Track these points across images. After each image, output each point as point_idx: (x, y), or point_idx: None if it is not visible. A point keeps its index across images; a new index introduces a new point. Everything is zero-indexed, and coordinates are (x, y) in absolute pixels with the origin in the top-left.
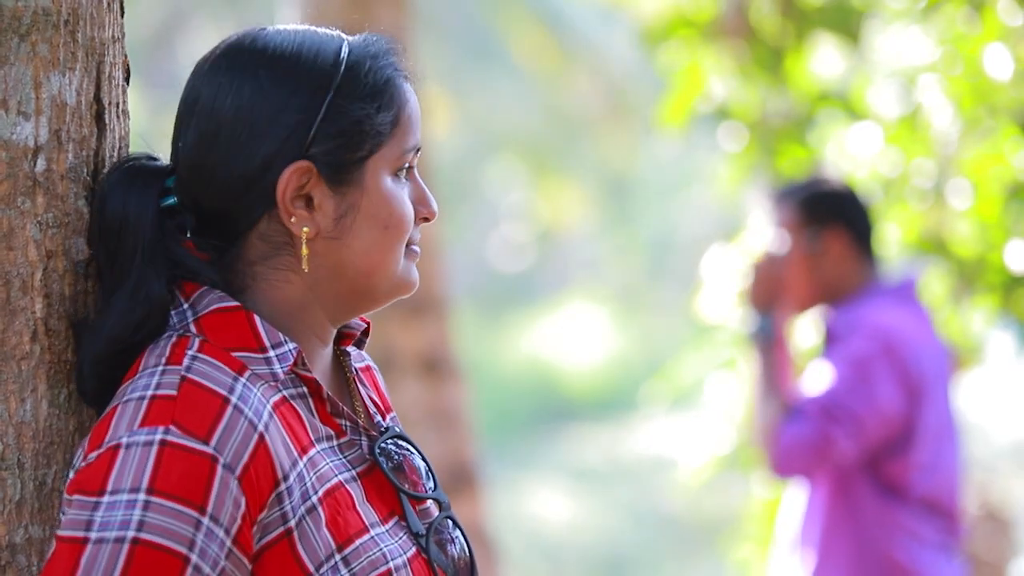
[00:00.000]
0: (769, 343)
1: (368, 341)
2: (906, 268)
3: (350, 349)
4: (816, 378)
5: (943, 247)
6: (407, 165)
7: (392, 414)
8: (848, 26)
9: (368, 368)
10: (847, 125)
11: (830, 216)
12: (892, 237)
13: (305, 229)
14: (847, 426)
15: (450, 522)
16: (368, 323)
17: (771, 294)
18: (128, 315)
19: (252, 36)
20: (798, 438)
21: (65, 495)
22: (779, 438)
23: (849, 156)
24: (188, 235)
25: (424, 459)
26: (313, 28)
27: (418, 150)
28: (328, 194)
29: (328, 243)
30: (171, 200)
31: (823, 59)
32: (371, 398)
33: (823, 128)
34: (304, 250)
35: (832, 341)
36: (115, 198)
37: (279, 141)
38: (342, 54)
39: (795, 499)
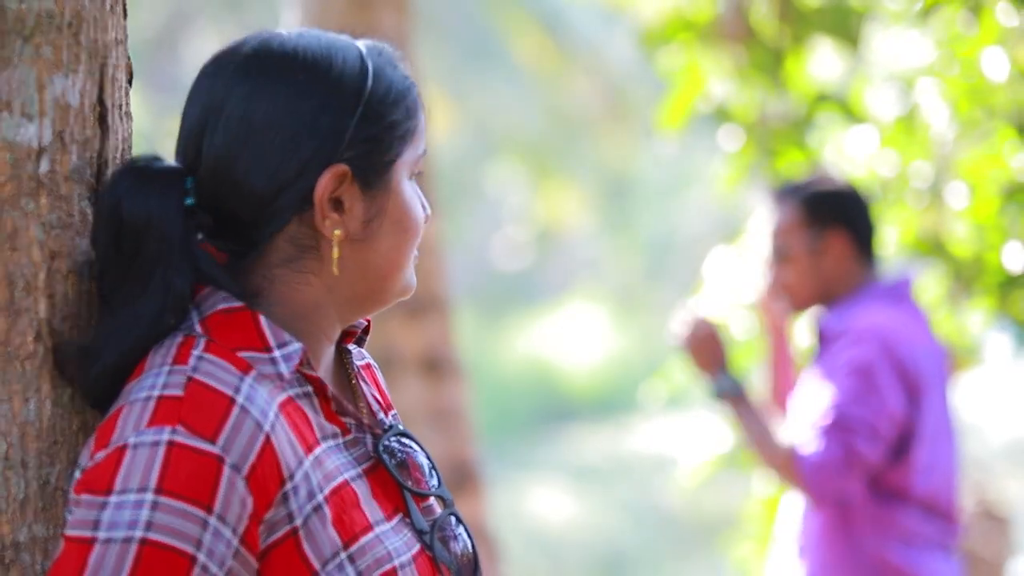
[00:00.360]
0: (739, 394)
1: (368, 339)
2: (901, 268)
3: (351, 347)
4: (821, 394)
5: (940, 248)
6: (419, 169)
7: (393, 411)
8: (847, 29)
9: (368, 366)
10: (845, 127)
11: (832, 217)
12: (890, 238)
13: (337, 232)
14: (865, 433)
15: (453, 519)
16: (368, 321)
17: (714, 356)
18: (159, 318)
19: (279, 40)
20: (821, 461)
21: (72, 495)
22: (802, 469)
23: (847, 157)
24: (201, 237)
25: (427, 456)
26: (326, 32)
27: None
28: (359, 197)
29: (353, 245)
30: (188, 201)
31: (821, 62)
32: (373, 396)
33: (822, 130)
34: (335, 253)
35: (824, 341)
36: (135, 200)
37: (315, 146)
38: (366, 60)
39: (793, 501)
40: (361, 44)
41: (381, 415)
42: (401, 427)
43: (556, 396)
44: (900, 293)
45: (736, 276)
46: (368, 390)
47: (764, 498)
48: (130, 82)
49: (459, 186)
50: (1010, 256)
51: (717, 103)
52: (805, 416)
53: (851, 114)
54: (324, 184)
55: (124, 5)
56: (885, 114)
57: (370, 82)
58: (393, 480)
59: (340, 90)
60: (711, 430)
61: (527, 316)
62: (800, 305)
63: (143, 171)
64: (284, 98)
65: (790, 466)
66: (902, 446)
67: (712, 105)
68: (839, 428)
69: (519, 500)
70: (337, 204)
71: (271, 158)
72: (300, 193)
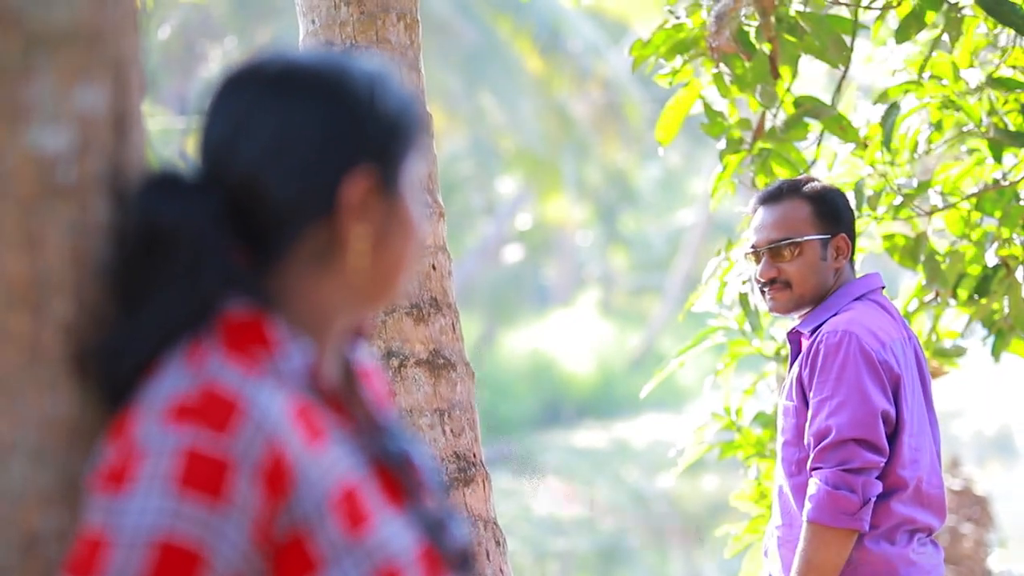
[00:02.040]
0: None
1: (368, 337)
2: (869, 269)
3: (352, 345)
4: (811, 412)
5: (920, 252)
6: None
7: (395, 409)
8: (836, 45)
9: (370, 364)
10: (827, 134)
11: (841, 219)
12: (870, 244)
13: (363, 235)
14: (859, 441)
15: (454, 514)
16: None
17: None
18: (186, 321)
19: (301, 59)
20: (824, 493)
21: (88, 492)
22: (826, 519)
23: (831, 162)
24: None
25: (428, 453)
26: (338, 49)
27: None
28: (379, 203)
29: (372, 250)
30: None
31: (808, 77)
32: (374, 393)
33: (807, 136)
34: (361, 256)
35: (796, 342)
36: (171, 208)
37: (342, 156)
38: (377, 74)
39: (778, 497)
40: (369, 59)
41: (383, 412)
42: (403, 424)
43: (556, 395)
44: (868, 290)
45: (731, 278)
46: (370, 387)
47: (754, 482)
48: (144, 93)
49: (462, 188)
50: (987, 258)
51: (709, 114)
52: (800, 443)
53: (834, 130)
54: (352, 190)
55: (138, 21)
56: (867, 124)
57: (383, 95)
58: (396, 478)
59: (360, 103)
60: (704, 425)
61: (528, 316)
62: (795, 302)
63: (175, 180)
64: (313, 113)
65: (826, 530)
66: (889, 439)
67: (704, 116)
68: (833, 447)
69: (519, 497)
70: (360, 209)
71: (302, 168)
72: (326, 200)
